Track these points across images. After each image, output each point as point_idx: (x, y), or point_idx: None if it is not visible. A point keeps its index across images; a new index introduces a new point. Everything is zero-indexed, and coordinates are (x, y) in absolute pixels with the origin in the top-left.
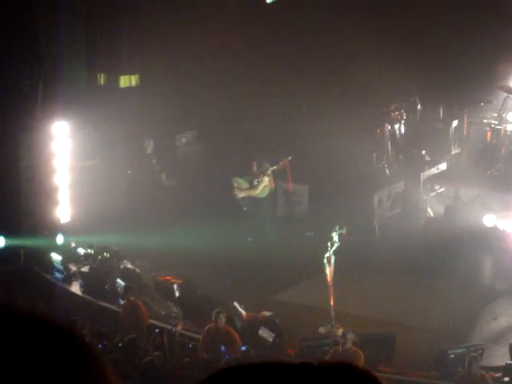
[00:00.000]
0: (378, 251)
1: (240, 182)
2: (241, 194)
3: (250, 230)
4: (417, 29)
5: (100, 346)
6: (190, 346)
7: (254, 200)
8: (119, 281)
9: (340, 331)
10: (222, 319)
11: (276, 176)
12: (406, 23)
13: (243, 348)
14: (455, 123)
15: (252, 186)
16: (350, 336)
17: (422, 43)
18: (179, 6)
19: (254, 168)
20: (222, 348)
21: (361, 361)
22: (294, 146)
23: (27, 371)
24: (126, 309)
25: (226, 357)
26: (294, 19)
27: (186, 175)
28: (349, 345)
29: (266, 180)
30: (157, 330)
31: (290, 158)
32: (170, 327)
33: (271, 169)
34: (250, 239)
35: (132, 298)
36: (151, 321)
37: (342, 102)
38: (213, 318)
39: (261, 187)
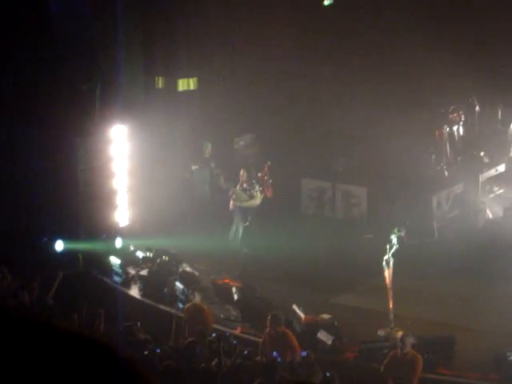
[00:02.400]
0: (436, 253)
1: (239, 194)
2: (241, 205)
3: (312, 231)
4: (475, 31)
5: (158, 350)
6: (246, 352)
7: (242, 208)
8: (178, 284)
9: (399, 334)
10: (279, 322)
11: (336, 179)
12: (464, 26)
13: (303, 353)
14: None
15: (252, 197)
16: (409, 340)
17: (480, 45)
18: (237, 8)
19: (244, 176)
20: (274, 353)
21: (419, 364)
22: (353, 148)
23: None
24: (189, 312)
25: (279, 361)
26: (352, 21)
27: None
28: (407, 349)
29: (257, 188)
30: (214, 335)
31: (269, 163)
32: (226, 330)
33: (259, 175)
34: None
35: (196, 302)
36: None
37: (400, 104)
38: (269, 322)
39: (260, 196)
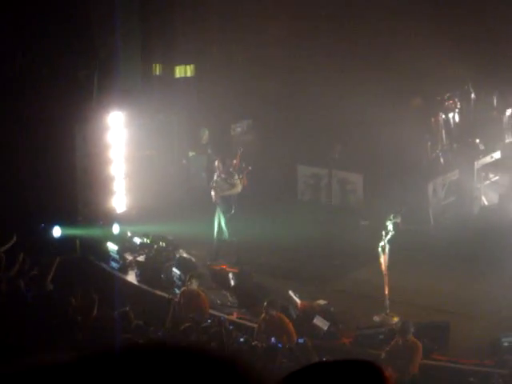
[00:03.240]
0: (432, 240)
1: (220, 184)
2: (223, 194)
3: (308, 217)
4: (470, 18)
5: (155, 335)
6: (242, 339)
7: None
8: (175, 270)
9: (395, 320)
10: (275, 308)
11: (332, 165)
12: (460, 13)
13: (300, 340)
14: (509, 111)
15: (233, 185)
16: (410, 327)
17: (476, 32)
18: None
19: (219, 165)
20: (272, 339)
21: (420, 351)
22: (349, 134)
23: None
24: (185, 297)
25: (279, 346)
26: (348, 9)
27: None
28: (409, 336)
29: (237, 176)
30: (209, 321)
31: (241, 149)
32: (220, 315)
33: (234, 162)
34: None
35: (193, 287)
36: None
37: (396, 91)
38: (265, 307)
39: (240, 184)
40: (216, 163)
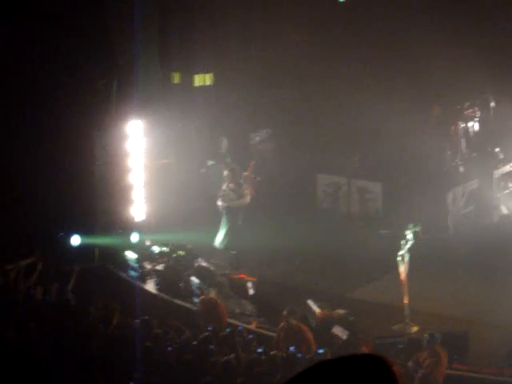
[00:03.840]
0: (451, 249)
1: (227, 193)
2: (230, 204)
3: (327, 226)
4: (490, 27)
5: (172, 348)
6: (261, 349)
7: (231, 208)
8: (194, 279)
9: (414, 329)
10: (294, 317)
11: (351, 174)
12: (481, 22)
13: (320, 351)
14: None
15: (241, 196)
16: (437, 337)
17: (495, 41)
18: (253, 5)
19: (228, 175)
20: (291, 348)
21: (445, 361)
22: (368, 143)
23: None
24: (204, 306)
25: (299, 356)
26: (367, 17)
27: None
28: (435, 346)
29: (245, 187)
30: (227, 330)
31: (253, 162)
32: (239, 325)
33: (245, 174)
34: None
35: (211, 296)
36: None
37: (415, 100)
38: (284, 316)
39: (248, 196)
40: (226, 173)
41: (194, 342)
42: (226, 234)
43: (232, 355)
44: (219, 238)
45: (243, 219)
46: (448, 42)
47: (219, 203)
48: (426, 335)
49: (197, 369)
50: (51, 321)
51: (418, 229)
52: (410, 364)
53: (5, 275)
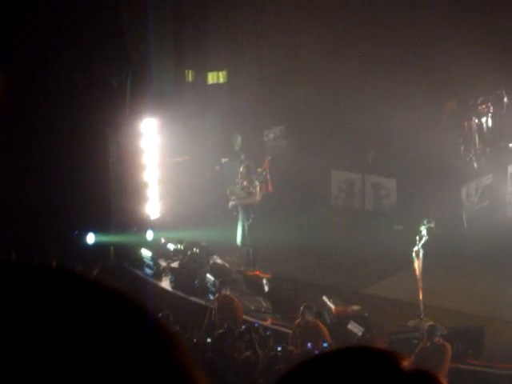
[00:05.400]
0: (466, 244)
1: (237, 192)
2: (240, 202)
3: (342, 222)
4: (504, 23)
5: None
6: (280, 347)
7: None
8: (209, 276)
9: (428, 324)
10: (311, 313)
11: (366, 170)
12: (494, 18)
13: (325, 345)
14: None
15: (250, 194)
16: (435, 330)
17: (510, 37)
18: (266, 3)
19: (243, 171)
20: (309, 345)
21: (448, 353)
22: (382, 139)
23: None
24: (219, 303)
25: (316, 352)
26: (380, 14)
27: (273, 170)
28: (435, 338)
29: (257, 184)
30: (243, 327)
31: (269, 158)
32: (255, 321)
33: (259, 171)
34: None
35: (227, 293)
36: None
37: (429, 95)
38: (300, 313)
39: (259, 193)
40: (240, 169)
41: (209, 340)
42: (242, 232)
43: (248, 352)
44: (238, 236)
45: (253, 217)
46: (463, 38)
47: (230, 203)
48: (425, 327)
49: (217, 367)
50: None
51: (432, 224)
52: (412, 357)
53: None
